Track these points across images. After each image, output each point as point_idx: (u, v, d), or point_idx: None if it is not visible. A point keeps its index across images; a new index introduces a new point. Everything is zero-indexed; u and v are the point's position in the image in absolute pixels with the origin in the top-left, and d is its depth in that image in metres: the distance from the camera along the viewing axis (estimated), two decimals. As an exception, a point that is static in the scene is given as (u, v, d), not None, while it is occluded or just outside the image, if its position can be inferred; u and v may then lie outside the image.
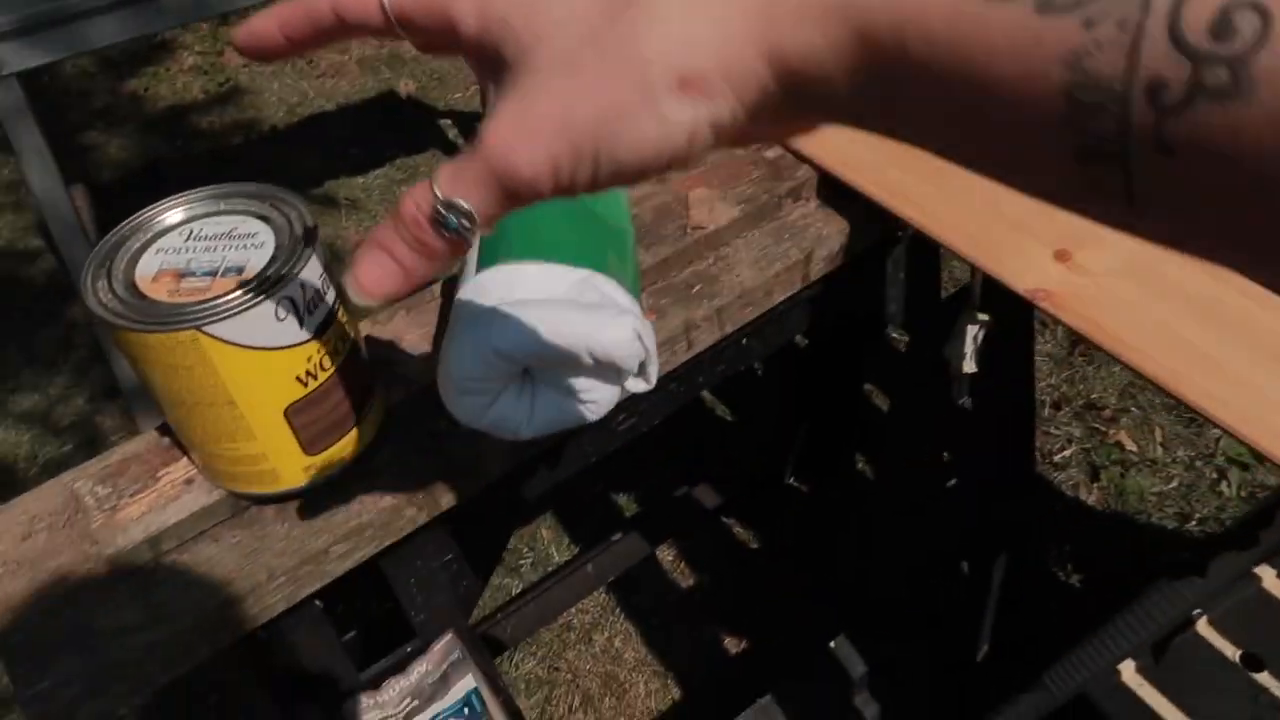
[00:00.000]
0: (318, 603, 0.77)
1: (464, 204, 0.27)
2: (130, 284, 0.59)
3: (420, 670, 0.88)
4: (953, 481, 1.33)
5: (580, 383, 0.65)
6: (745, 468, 1.79)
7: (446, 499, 0.74)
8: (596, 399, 0.66)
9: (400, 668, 0.87)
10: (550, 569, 1.80)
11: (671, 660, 1.71)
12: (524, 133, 0.26)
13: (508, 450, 0.76)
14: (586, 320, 0.61)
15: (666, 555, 1.83)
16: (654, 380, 0.66)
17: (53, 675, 0.62)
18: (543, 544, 1.89)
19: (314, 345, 0.60)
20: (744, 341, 0.91)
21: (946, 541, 1.44)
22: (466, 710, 0.94)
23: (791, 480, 1.92)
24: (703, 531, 1.84)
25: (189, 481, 0.70)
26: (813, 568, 1.77)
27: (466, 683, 0.93)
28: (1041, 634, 1.24)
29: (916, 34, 0.21)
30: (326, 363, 0.62)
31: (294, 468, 0.66)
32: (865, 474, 1.84)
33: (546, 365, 0.63)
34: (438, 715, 0.92)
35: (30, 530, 0.71)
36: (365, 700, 0.85)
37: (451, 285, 0.82)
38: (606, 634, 1.75)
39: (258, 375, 0.59)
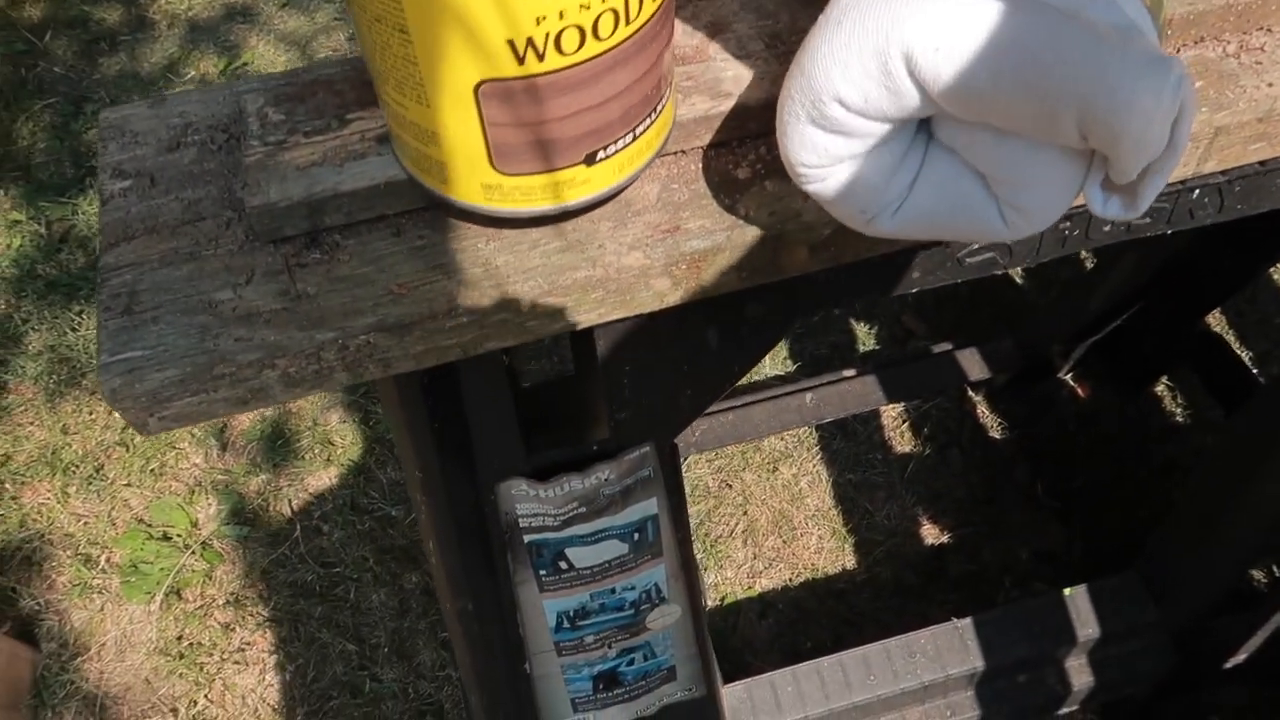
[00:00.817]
0: (504, 357, 0.56)
1: None
2: None
3: (602, 476, 0.69)
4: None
5: (1013, 165, 0.37)
6: (1027, 341, 1.46)
7: (716, 280, 0.50)
8: (1027, 205, 0.38)
9: (579, 466, 0.67)
10: (759, 379, 1.58)
11: (858, 526, 1.49)
12: None
13: (825, 239, 0.50)
14: (1090, 47, 0.32)
15: (892, 412, 1.57)
16: (1144, 204, 0.37)
17: (147, 346, 0.45)
18: (757, 348, 1.67)
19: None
20: (1209, 203, 0.59)
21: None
22: (637, 535, 0.75)
23: (1068, 376, 1.58)
24: (947, 400, 1.56)
25: (383, 139, 0.48)
26: (1060, 493, 1.47)
27: (647, 506, 0.73)
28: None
29: None
30: (569, 40, 0.37)
31: (471, 180, 0.43)
32: (1175, 416, 1.48)
33: (980, 115, 0.35)
34: (603, 530, 0.73)
35: (180, 140, 0.52)
36: (528, 489, 0.67)
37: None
38: (795, 470, 1.54)
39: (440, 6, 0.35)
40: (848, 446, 1.55)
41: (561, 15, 0.36)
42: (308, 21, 2.18)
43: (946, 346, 1.41)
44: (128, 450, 1.60)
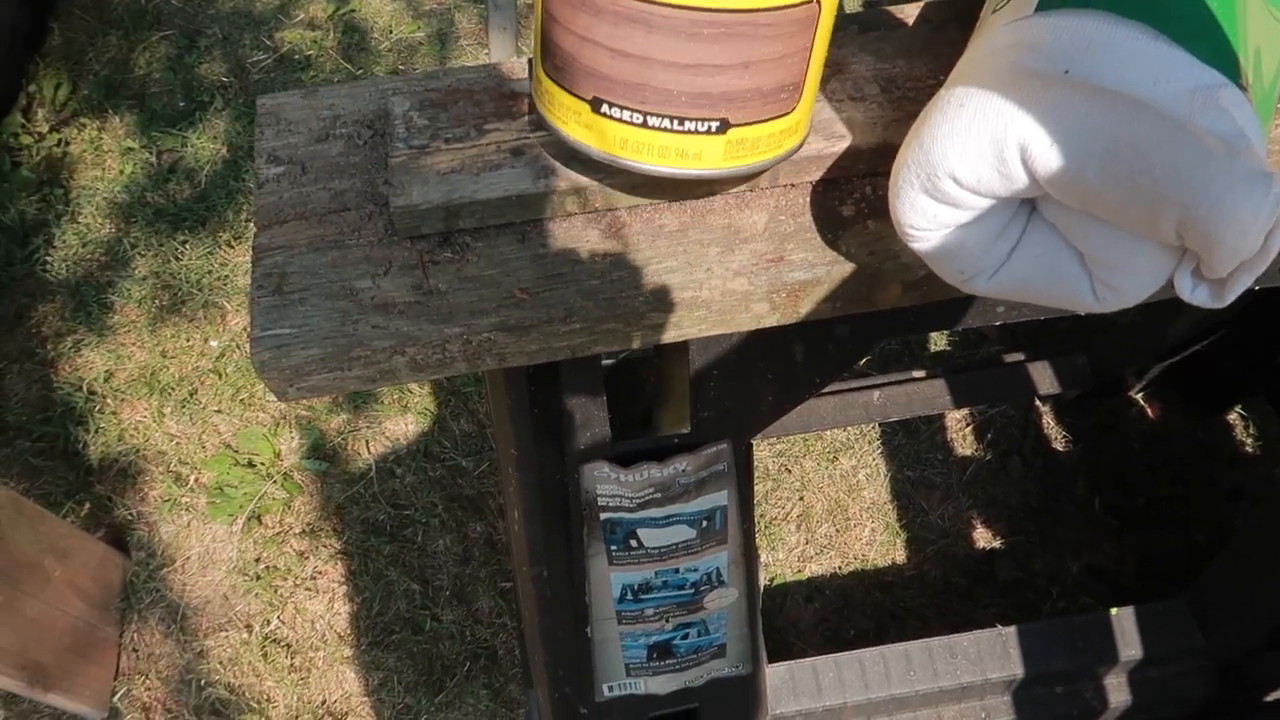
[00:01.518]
0: (606, 362, 0.60)
1: None
2: None
3: (679, 466, 0.73)
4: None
5: (1111, 250, 0.40)
6: (1102, 358, 1.46)
7: (812, 309, 0.53)
8: (1120, 285, 0.41)
9: (659, 456, 0.71)
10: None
11: (911, 523, 1.52)
12: None
13: (919, 280, 0.53)
14: (1198, 159, 0.35)
15: (956, 415, 1.58)
16: (1231, 297, 0.39)
17: (294, 325, 0.50)
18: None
19: None
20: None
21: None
22: (705, 523, 0.79)
23: (1139, 395, 1.57)
24: (1013, 408, 1.57)
25: (517, 152, 0.52)
26: (1118, 511, 1.48)
27: (718, 497, 0.77)
28: None
29: None
30: None
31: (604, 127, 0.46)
32: (1245, 445, 1.47)
33: (1085, 206, 0.38)
34: (674, 516, 0.78)
35: (329, 132, 0.57)
36: (610, 472, 0.72)
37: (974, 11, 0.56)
38: (854, 461, 1.57)
39: None
40: (909, 443, 1.57)
41: None
42: (415, -28, 2.23)
43: (1019, 357, 1.42)
44: (220, 378, 1.69)
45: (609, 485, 0.73)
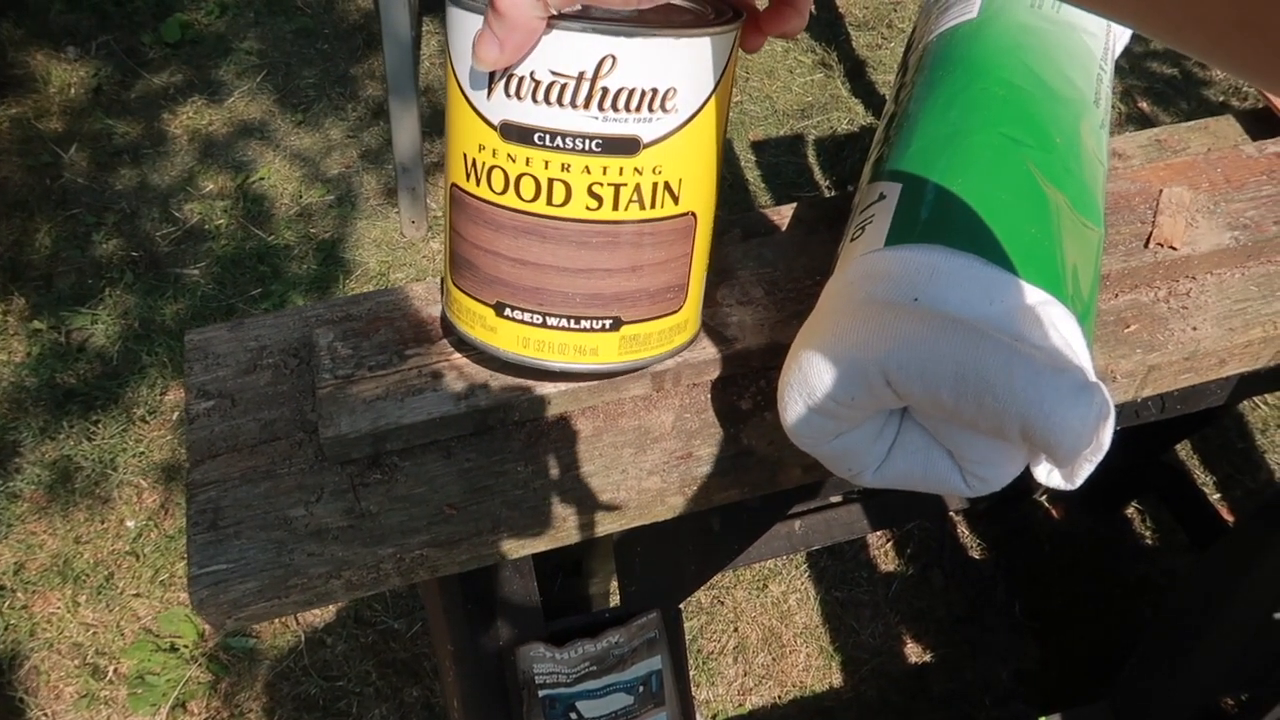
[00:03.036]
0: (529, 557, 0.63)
1: None
2: None
3: (612, 640, 0.75)
4: None
5: (973, 448, 0.45)
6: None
7: (722, 496, 0.58)
8: (987, 476, 0.46)
9: (591, 632, 0.74)
10: (749, 498, 1.65)
11: (844, 644, 1.55)
12: None
13: (816, 462, 0.58)
14: (1030, 378, 0.40)
15: (877, 534, 1.64)
16: (1080, 480, 0.45)
17: (230, 559, 0.52)
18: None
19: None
20: (1153, 405, 0.67)
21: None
22: (641, 689, 0.81)
23: (1043, 497, 1.66)
24: (929, 521, 1.63)
25: (437, 375, 0.56)
26: (1037, 613, 1.53)
27: (652, 663, 0.80)
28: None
29: None
30: (565, 190, 0.45)
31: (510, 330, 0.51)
32: (1146, 538, 1.55)
33: (946, 416, 0.44)
34: (611, 685, 0.80)
35: (256, 363, 0.60)
36: (545, 651, 0.74)
37: (833, 239, 0.63)
38: (783, 588, 1.60)
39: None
40: (835, 565, 1.62)
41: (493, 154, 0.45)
42: (321, 139, 2.30)
43: (928, 474, 1.49)
44: (138, 559, 1.64)
45: (545, 664, 0.75)
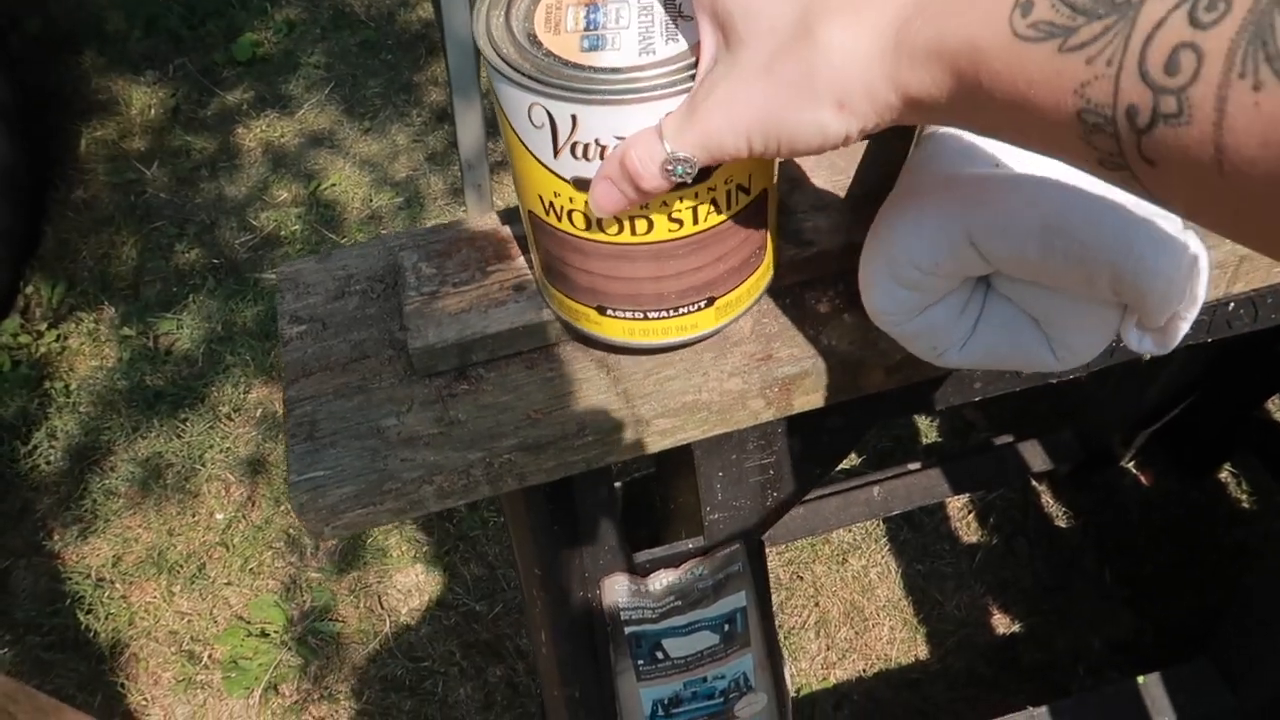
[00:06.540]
0: (615, 474, 0.64)
1: (687, 155, 0.39)
2: (530, 33, 0.44)
3: (696, 571, 0.76)
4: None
5: (1061, 313, 0.45)
6: (1087, 432, 1.50)
7: (803, 400, 0.58)
8: (1074, 344, 0.46)
9: (674, 562, 0.74)
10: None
11: (929, 616, 1.52)
12: (729, 120, 0.37)
13: (898, 363, 0.57)
14: (1119, 225, 0.40)
15: (957, 503, 1.61)
16: (1174, 342, 0.44)
17: (327, 466, 0.54)
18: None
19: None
20: (1244, 312, 0.66)
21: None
22: (727, 626, 0.81)
23: (1130, 464, 1.61)
24: (1011, 491, 1.60)
25: (519, 288, 0.57)
26: (1129, 580, 1.49)
27: (737, 599, 0.79)
28: None
29: (986, 71, 0.29)
30: (647, 224, 0.46)
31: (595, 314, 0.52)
32: (1241, 501, 1.50)
33: (1031, 277, 0.43)
34: (696, 621, 0.80)
35: (344, 290, 0.62)
36: (629, 584, 0.74)
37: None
38: (864, 561, 1.58)
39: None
40: (915, 537, 1.59)
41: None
42: (388, 145, 2.36)
43: (1008, 439, 1.46)
44: (228, 550, 1.70)
45: (631, 597, 0.76)
